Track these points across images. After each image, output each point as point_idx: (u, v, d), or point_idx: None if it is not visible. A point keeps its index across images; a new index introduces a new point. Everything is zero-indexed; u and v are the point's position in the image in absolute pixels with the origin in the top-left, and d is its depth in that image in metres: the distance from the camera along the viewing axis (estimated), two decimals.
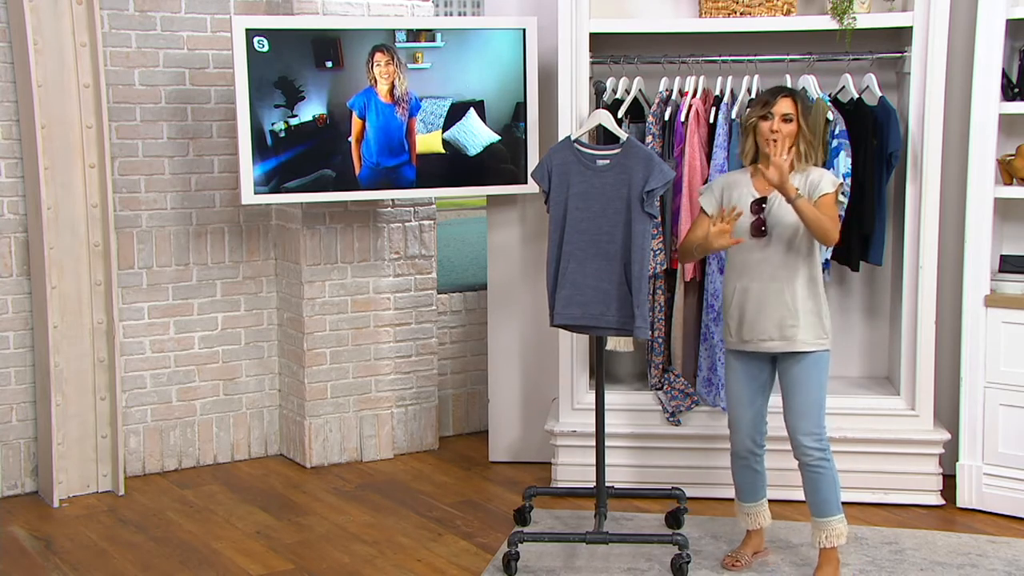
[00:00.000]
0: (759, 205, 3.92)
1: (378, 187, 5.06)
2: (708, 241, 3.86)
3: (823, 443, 3.93)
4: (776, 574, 4.14)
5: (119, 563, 4.31)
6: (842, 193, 4.58)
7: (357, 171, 4.98)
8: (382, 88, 4.94)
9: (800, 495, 4.38)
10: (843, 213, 4.64)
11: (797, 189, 3.80)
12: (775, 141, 3.84)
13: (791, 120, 3.87)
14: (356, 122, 4.95)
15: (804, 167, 3.93)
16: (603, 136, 4.61)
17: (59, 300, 4.90)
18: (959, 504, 4.78)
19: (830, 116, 4.63)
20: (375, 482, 5.26)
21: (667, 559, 4.18)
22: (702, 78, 4.85)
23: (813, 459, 3.93)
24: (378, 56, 4.92)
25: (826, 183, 3.89)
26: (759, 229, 3.90)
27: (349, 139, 4.95)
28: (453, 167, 5.11)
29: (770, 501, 4.24)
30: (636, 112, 4.93)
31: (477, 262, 6.56)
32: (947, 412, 4.94)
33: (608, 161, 4.21)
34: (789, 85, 4.63)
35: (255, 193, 4.88)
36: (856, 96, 4.76)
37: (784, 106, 3.88)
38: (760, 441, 4.08)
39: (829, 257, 4.75)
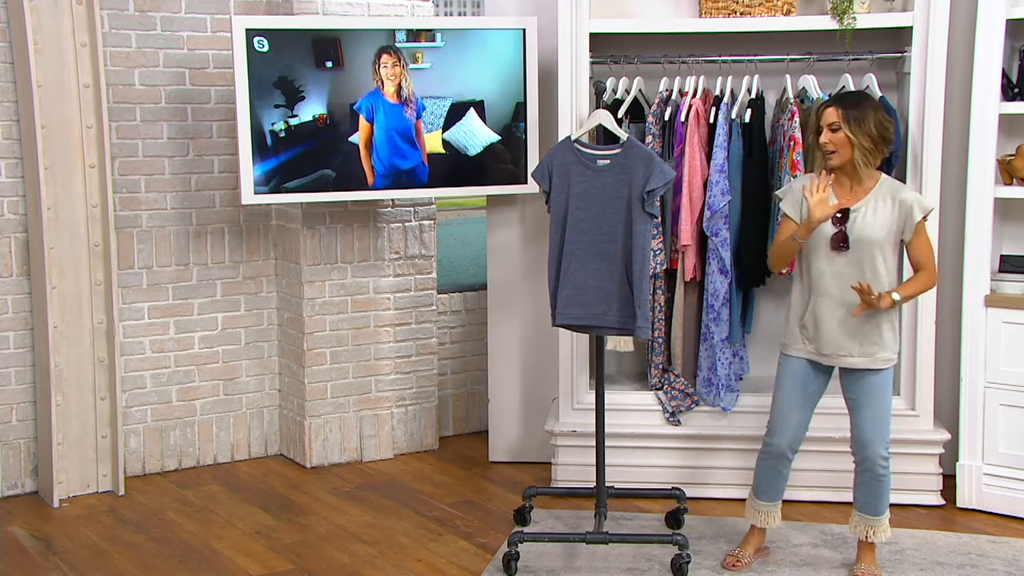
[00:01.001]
0: (843, 216, 3.86)
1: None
2: (811, 213, 3.76)
3: (888, 452, 4.00)
4: (776, 574, 4.14)
5: (119, 563, 4.31)
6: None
7: (370, 181, 4.97)
8: (389, 89, 4.94)
9: (800, 495, 4.41)
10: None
11: (891, 297, 3.78)
12: (832, 152, 3.83)
13: (837, 129, 3.82)
14: (364, 126, 4.95)
15: (869, 174, 3.87)
16: (603, 136, 4.61)
17: (59, 300, 4.90)
18: (959, 504, 4.78)
19: None
20: (375, 482, 5.26)
21: (667, 559, 4.18)
22: (702, 78, 4.85)
23: (881, 469, 3.99)
24: (384, 57, 4.92)
25: (917, 210, 3.84)
26: (839, 243, 3.86)
27: (350, 139, 4.95)
28: (453, 167, 5.11)
29: None
30: (636, 112, 4.93)
31: (477, 262, 6.56)
32: (947, 412, 4.94)
33: (608, 161, 4.21)
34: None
35: (255, 193, 4.88)
36: None
37: (828, 116, 3.84)
38: (796, 448, 4.10)
39: None
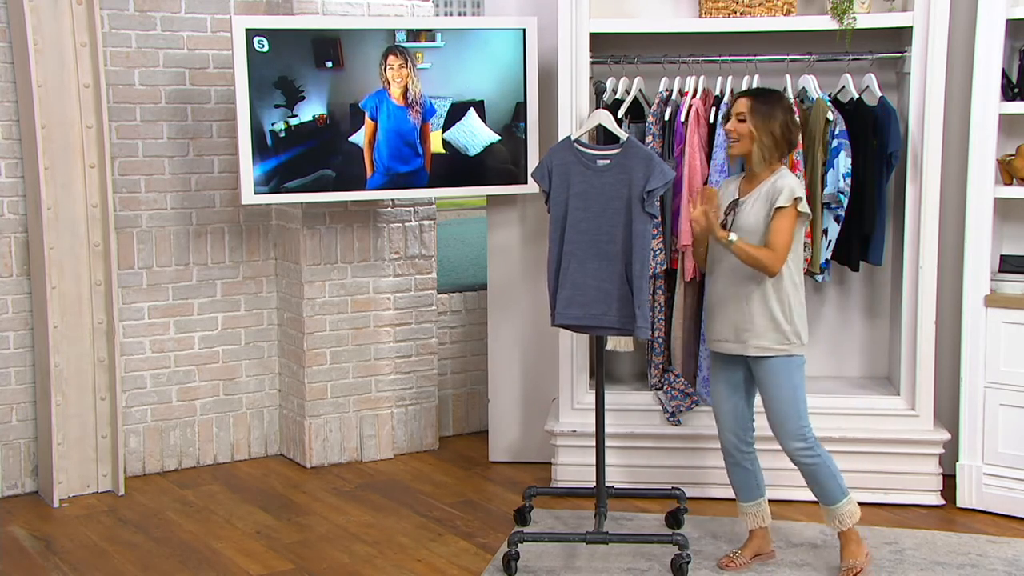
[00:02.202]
0: (731, 208, 3.97)
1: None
2: (695, 221, 3.91)
3: (807, 440, 3.96)
4: (776, 574, 4.14)
5: (119, 563, 4.31)
6: (837, 203, 4.58)
7: (369, 174, 4.97)
8: (395, 91, 4.94)
9: (800, 495, 4.40)
10: (842, 214, 4.64)
11: (728, 234, 3.82)
12: (735, 141, 3.93)
13: (743, 120, 3.90)
14: (368, 124, 4.95)
15: (767, 168, 3.94)
16: (603, 136, 4.61)
17: (59, 300, 4.90)
18: (959, 504, 4.78)
19: (830, 116, 4.63)
20: (375, 482, 5.26)
21: (667, 559, 4.18)
22: (702, 78, 4.85)
23: (803, 457, 3.97)
24: (391, 59, 4.92)
25: (784, 196, 3.86)
26: (721, 229, 3.93)
27: (350, 139, 4.95)
28: (453, 167, 5.11)
29: (770, 501, 4.24)
30: (636, 112, 4.93)
31: (477, 262, 6.56)
32: (947, 412, 4.94)
33: (608, 161, 4.21)
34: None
35: (255, 193, 4.88)
36: (856, 96, 4.76)
37: (738, 106, 3.93)
38: (745, 438, 4.10)
39: (829, 257, 4.75)
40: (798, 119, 3.97)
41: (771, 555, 4.24)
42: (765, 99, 3.93)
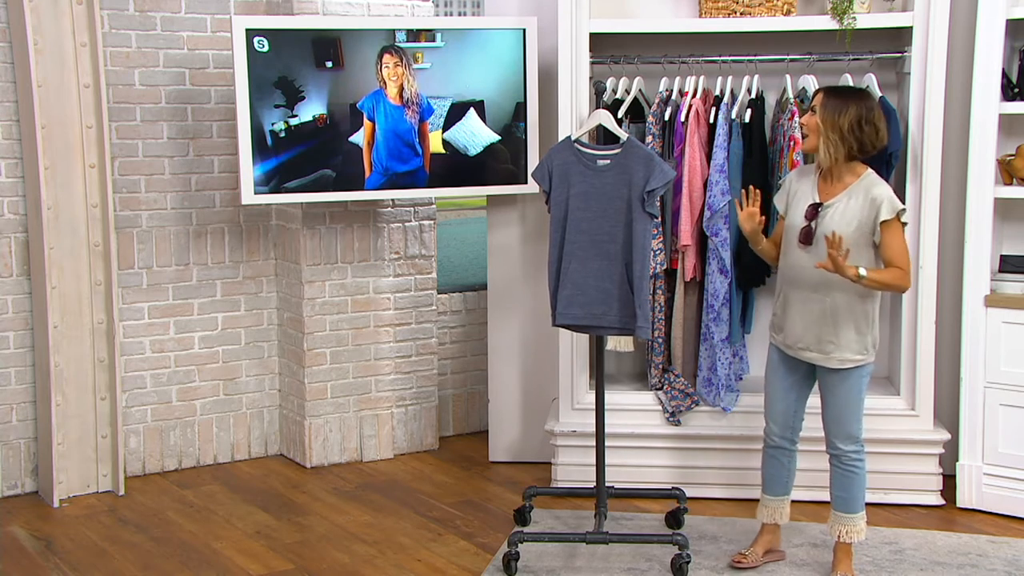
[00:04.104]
0: (813, 211, 3.86)
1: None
2: (740, 225, 3.88)
3: (858, 445, 3.95)
4: (776, 574, 4.14)
5: (119, 563, 4.31)
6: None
7: (367, 174, 4.97)
8: (391, 90, 4.94)
9: (801, 495, 4.39)
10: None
11: (858, 270, 3.68)
12: (805, 135, 3.86)
13: (815, 113, 3.82)
14: (367, 125, 4.95)
15: (850, 169, 3.83)
16: (603, 136, 4.61)
17: (59, 300, 4.90)
18: (959, 504, 4.78)
19: None
20: (375, 482, 5.26)
21: (667, 559, 4.19)
22: (702, 78, 4.86)
23: (852, 459, 3.95)
24: (387, 58, 4.92)
25: (886, 208, 3.76)
26: (805, 236, 3.85)
27: (350, 139, 4.95)
28: (453, 167, 5.11)
29: None
30: (636, 112, 4.93)
31: (477, 262, 6.56)
32: (947, 412, 4.94)
33: (608, 161, 4.21)
34: (787, 85, 4.69)
35: (255, 193, 4.88)
36: None
37: (814, 99, 3.87)
38: (792, 436, 4.10)
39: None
40: (880, 120, 3.80)
41: (781, 555, 4.24)
42: (840, 93, 3.84)
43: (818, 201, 3.86)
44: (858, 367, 3.88)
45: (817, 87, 4.59)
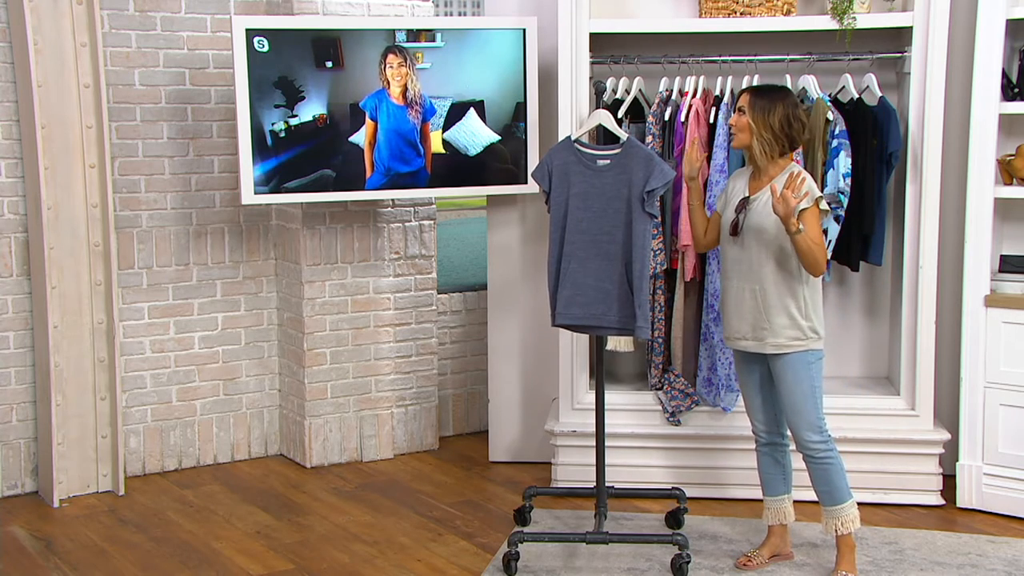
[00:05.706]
0: (742, 205, 3.96)
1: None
2: (684, 167, 4.08)
3: (824, 434, 3.95)
4: (776, 574, 4.14)
5: (119, 563, 4.31)
6: (837, 203, 4.56)
7: (368, 174, 4.97)
8: (394, 90, 4.94)
9: (800, 495, 4.39)
10: (842, 215, 4.64)
11: (799, 224, 3.75)
12: (732, 136, 3.98)
13: (743, 114, 3.91)
14: (369, 124, 4.95)
15: (776, 164, 3.92)
16: (603, 136, 4.61)
17: (59, 300, 4.90)
18: (959, 504, 4.78)
19: (830, 116, 4.63)
20: (375, 482, 5.26)
21: (667, 559, 4.18)
22: (702, 78, 4.85)
23: (818, 452, 3.95)
24: (390, 58, 4.92)
25: (805, 199, 3.83)
26: (734, 228, 3.94)
27: (350, 139, 4.95)
28: (453, 167, 5.11)
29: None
30: (636, 112, 4.93)
31: (477, 262, 6.56)
32: (947, 412, 4.94)
33: (608, 161, 4.21)
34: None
35: (255, 193, 4.88)
36: (856, 96, 4.76)
37: (740, 100, 3.95)
38: (779, 431, 4.11)
39: (829, 257, 4.74)
40: (804, 115, 3.95)
41: (789, 556, 4.23)
42: (765, 93, 3.94)
43: (747, 195, 3.96)
44: (800, 352, 3.91)
45: (820, 101, 4.61)
